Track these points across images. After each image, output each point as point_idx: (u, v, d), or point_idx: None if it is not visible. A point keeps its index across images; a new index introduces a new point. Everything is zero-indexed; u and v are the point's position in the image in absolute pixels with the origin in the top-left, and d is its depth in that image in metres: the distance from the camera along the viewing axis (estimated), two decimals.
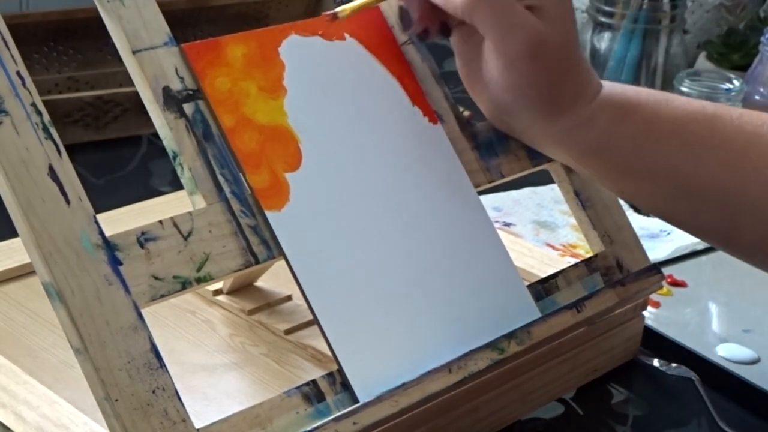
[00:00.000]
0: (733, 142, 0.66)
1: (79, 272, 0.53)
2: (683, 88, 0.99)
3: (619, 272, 0.75)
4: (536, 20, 0.64)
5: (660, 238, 0.94)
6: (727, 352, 0.80)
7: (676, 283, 0.89)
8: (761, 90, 1.01)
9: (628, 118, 0.67)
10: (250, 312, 0.76)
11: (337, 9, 0.66)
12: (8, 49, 0.55)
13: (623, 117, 0.67)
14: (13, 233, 0.56)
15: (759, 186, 0.65)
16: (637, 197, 0.71)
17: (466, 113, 0.73)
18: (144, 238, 0.56)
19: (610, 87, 0.68)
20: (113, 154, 1.09)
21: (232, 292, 0.78)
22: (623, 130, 0.67)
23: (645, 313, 0.79)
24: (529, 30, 0.64)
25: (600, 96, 0.67)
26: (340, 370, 0.59)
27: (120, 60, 0.60)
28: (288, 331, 0.74)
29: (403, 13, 0.69)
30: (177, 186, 0.96)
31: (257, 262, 0.60)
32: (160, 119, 0.60)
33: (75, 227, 0.54)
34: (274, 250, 0.60)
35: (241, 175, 0.61)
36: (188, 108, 0.61)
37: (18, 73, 0.55)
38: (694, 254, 0.93)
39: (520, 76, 0.65)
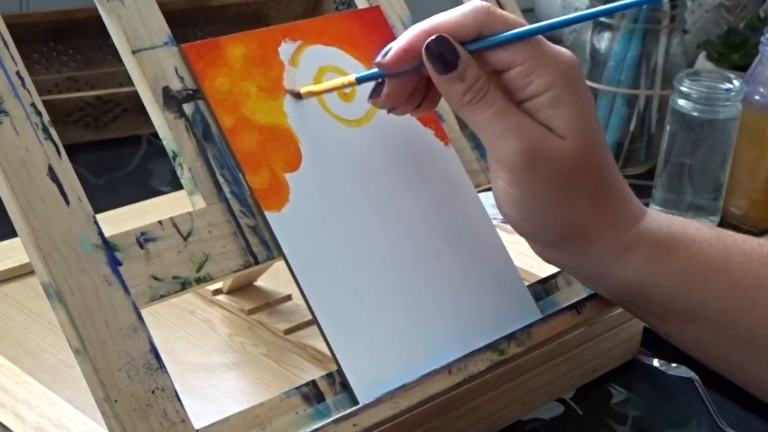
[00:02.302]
0: None
1: (79, 272, 0.53)
2: (683, 88, 0.99)
3: None
4: (535, 127, 0.59)
5: None
6: None
7: None
8: (761, 90, 1.01)
9: (672, 252, 0.61)
10: (250, 312, 0.76)
11: (301, 89, 0.64)
12: (8, 49, 0.55)
13: (667, 251, 0.61)
14: (12, 233, 0.56)
15: None
16: (684, 341, 0.65)
17: None
18: (143, 238, 0.56)
19: (653, 216, 0.62)
20: (113, 154, 1.09)
21: (231, 291, 0.78)
22: (666, 266, 0.61)
23: None
24: (522, 134, 0.58)
25: (641, 225, 0.61)
26: (340, 371, 0.59)
27: (120, 60, 0.60)
28: (288, 331, 0.74)
29: (375, 85, 0.63)
30: (177, 186, 0.96)
31: (257, 262, 0.60)
32: (159, 119, 0.60)
33: (74, 227, 0.54)
34: (273, 250, 0.60)
35: (240, 175, 0.61)
36: (188, 108, 0.61)
37: (18, 73, 0.55)
38: None
39: (519, 189, 0.59)
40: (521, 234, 0.63)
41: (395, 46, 0.61)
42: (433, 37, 0.59)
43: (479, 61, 0.60)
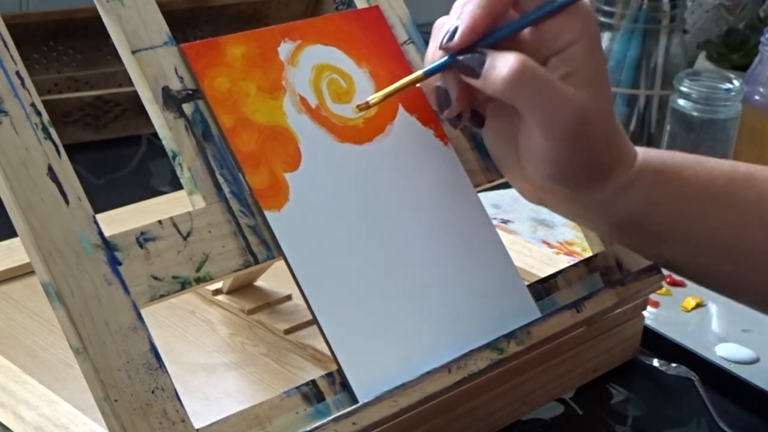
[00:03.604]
0: None
1: (79, 272, 0.53)
2: (683, 88, 0.99)
3: (619, 272, 0.75)
4: (580, 95, 0.62)
5: None
6: (726, 352, 0.80)
7: (675, 283, 0.89)
8: (761, 90, 1.01)
9: (667, 181, 0.66)
10: (250, 312, 0.76)
11: (369, 98, 0.65)
12: (8, 49, 0.55)
13: (663, 181, 0.66)
14: (12, 233, 0.56)
15: None
16: (675, 261, 0.70)
17: None
18: (143, 238, 0.56)
19: (645, 152, 0.67)
20: (113, 154, 1.09)
21: (231, 291, 0.78)
22: (664, 194, 0.66)
23: (644, 313, 0.79)
24: (574, 106, 0.62)
25: (638, 161, 0.66)
26: (340, 370, 0.59)
27: (120, 60, 0.60)
28: (288, 331, 0.74)
29: (441, 93, 0.65)
30: (177, 186, 0.96)
31: (257, 262, 0.60)
32: (159, 119, 0.60)
33: (74, 227, 0.54)
34: (273, 250, 0.60)
35: (240, 175, 0.61)
36: (187, 108, 0.61)
37: (17, 73, 0.55)
38: None
39: (565, 150, 0.63)
40: (545, 187, 0.67)
41: (461, 28, 0.63)
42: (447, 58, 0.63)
43: None
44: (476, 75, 0.62)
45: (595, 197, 0.66)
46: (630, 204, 0.66)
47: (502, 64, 0.61)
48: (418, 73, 0.65)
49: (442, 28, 0.64)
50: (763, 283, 0.68)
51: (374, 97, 0.65)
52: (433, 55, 0.64)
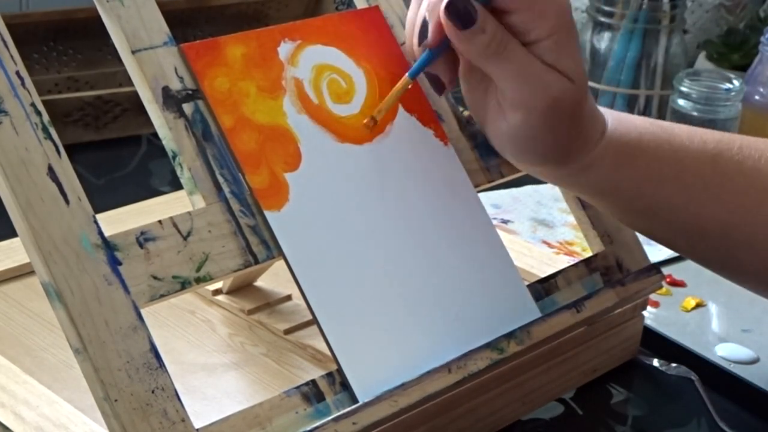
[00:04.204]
0: (733, 180, 0.67)
1: (79, 272, 0.53)
2: (683, 88, 0.99)
3: (619, 272, 0.75)
4: (556, 76, 0.63)
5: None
6: (726, 352, 0.80)
7: (675, 283, 0.89)
8: (761, 90, 1.01)
9: (630, 162, 0.67)
10: (250, 312, 0.76)
11: (375, 114, 0.65)
12: (8, 49, 0.55)
13: (625, 161, 0.67)
14: (12, 233, 0.56)
15: (757, 223, 0.67)
16: (642, 230, 0.73)
17: (466, 113, 0.73)
18: (143, 238, 0.56)
19: (613, 127, 0.68)
20: (113, 154, 1.09)
21: (231, 291, 0.78)
22: (625, 173, 0.67)
23: (644, 313, 0.79)
24: (549, 86, 0.63)
25: (605, 138, 0.67)
26: (340, 370, 0.59)
27: (120, 60, 0.60)
28: (287, 331, 0.74)
29: (432, 79, 0.67)
30: (177, 186, 0.96)
31: (257, 262, 0.60)
32: (159, 119, 0.60)
33: (74, 227, 0.54)
34: (273, 250, 0.60)
35: (240, 175, 0.61)
36: (187, 108, 0.61)
37: (17, 73, 0.55)
38: None
39: (533, 127, 0.64)
40: (510, 159, 0.69)
41: (430, 25, 0.65)
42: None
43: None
44: (462, 26, 0.63)
45: (559, 172, 0.68)
46: (593, 180, 0.68)
47: (490, 28, 0.62)
48: (405, 78, 0.65)
49: (413, 26, 0.66)
50: (722, 259, 0.70)
51: (378, 111, 0.65)
52: (415, 53, 0.66)
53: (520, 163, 0.69)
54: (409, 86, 0.66)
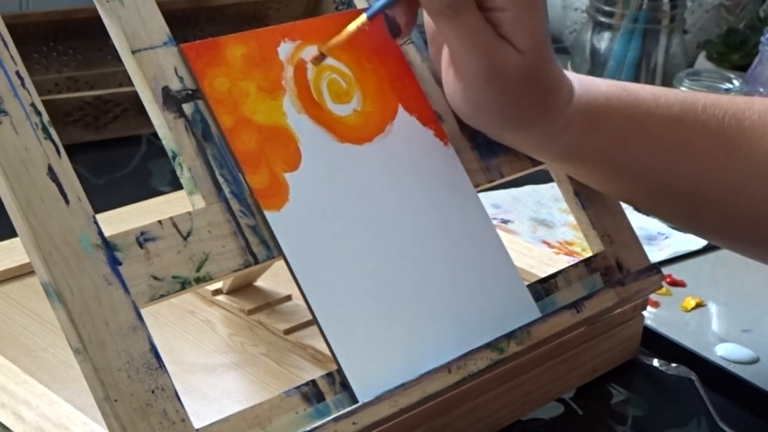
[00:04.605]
0: (698, 141, 0.69)
1: (79, 272, 0.53)
2: (683, 88, 0.99)
3: (619, 272, 0.75)
4: (499, 44, 0.63)
5: (657, 241, 0.94)
6: (726, 352, 0.80)
7: (675, 283, 0.89)
8: (761, 90, 1.01)
9: (597, 127, 0.68)
10: (250, 312, 0.76)
11: (323, 49, 0.65)
12: (8, 49, 0.55)
13: (592, 127, 0.68)
14: (12, 233, 0.56)
15: (723, 183, 0.69)
16: (608, 192, 0.74)
17: None
18: (143, 238, 0.56)
19: (580, 93, 0.68)
20: (113, 154, 1.09)
21: (231, 291, 0.78)
22: (593, 139, 0.68)
23: (644, 313, 0.79)
24: (486, 53, 0.63)
25: (570, 107, 0.67)
26: (340, 370, 0.59)
27: (120, 60, 0.60)
28: (287, 331, 0.74)
29: (391, 22, 0.67)
30: (177, 186, 0.96)
31: (256, 262, 0.60)
32: (159, 119, 0.60)
33: (74, 227, 0.54)
34: (273, 250, 0.60)
35: (240, 175, 0.61)
36: (187, 108, 0.61)
37: (17, 73, 0.55)
38: (694, 254, 0.93)
39: (475, 93, 0.65)
40: (467, 122, 0.69)
41: None
42: None
43: None
44: None
45: (521, 140, 0.69)
46: (559, 147, 0.69)
47: None
48: (362, 17, 0.66)
49: None
50: (689, 218, 0.73)
51: (329, 47, 0.65)
52: None
53: (477, 127, 0.69)
54: (366, 27, 0.66)
